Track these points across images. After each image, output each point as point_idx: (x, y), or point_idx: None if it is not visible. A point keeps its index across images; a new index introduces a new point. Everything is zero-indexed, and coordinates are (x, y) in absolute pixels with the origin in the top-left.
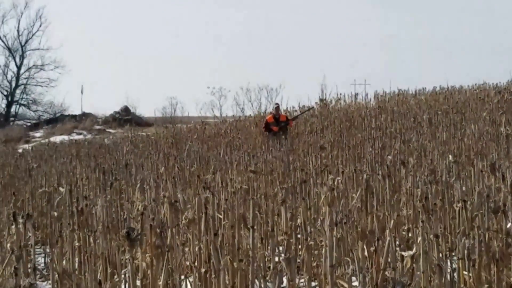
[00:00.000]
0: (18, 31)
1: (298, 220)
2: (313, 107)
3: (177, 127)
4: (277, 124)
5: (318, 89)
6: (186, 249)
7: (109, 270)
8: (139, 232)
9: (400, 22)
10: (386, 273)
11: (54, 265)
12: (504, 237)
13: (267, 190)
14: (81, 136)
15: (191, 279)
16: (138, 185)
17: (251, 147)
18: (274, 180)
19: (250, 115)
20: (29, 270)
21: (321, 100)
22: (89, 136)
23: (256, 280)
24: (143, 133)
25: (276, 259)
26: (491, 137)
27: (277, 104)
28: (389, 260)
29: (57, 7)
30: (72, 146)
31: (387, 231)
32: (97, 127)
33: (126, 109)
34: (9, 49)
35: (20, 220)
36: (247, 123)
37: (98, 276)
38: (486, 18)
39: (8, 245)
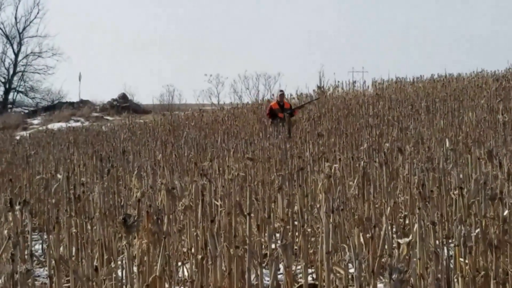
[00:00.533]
0: (15, 18)
1: (295, 207)
2: (318, 98)
3: (175, 114)
4: (282, 111)
5: (316, 77)
6: (183, 236)
7: (105, 257)
8: (135, 218)
9: (397, 10)
10: (383, 260)
11: (51, 252)
12: (501, 224)
13: (264, 177)
14: (78, 123)
15: (187, 265)
16: (136, 172)
17: (249, 135)
18: (271, 167)
19: (247, 102)
20: (26, 256)
21: (319, 87)
22: (86, 123)
23: (252, 267)
24: (141, 121)
25: (273, 246)
26: (489, 124)
27: (281, 91)
28: (385, 247)
29: None
30: (70, 133)
31: (384, 218)
32: (95, 114)
33: (123, 97)
34: (7, 36)
35: (17, 207)
36: (245, 110)
37: (95, 263)
38: (484, 7)
39: (5, 231)
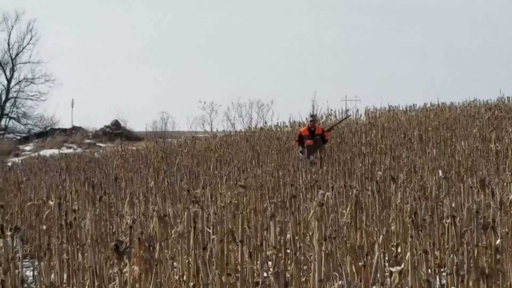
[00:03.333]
0: (8, 44)
1: (288, 235)
2: (349, 115)
3: (168, 141)
4: (312, 137)
5: (309, 105)
6: (175, 263)
7: (96, 283)
8: (127, 245)
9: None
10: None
11: (42, 278)
12: (493, 253)
13: (257, 204)
14: (71, 150)
15: None
16: (128, 199)
17: (241, 162)
18: (264, 195)
19: (240, 130)
20: (17, 283)
21: (311, 116)
22: (79, 150)
23: None
24: (134, 148)
25: (265, 274)
26: (481, 153)
27: (312, 116)
28: (377, 275)
29: (48, 21)
30: (62, 160)
31: (376, 246)
32: (87, 141)
33: (116, 123)
34: (0, 62)
35: (8, 233)
36: (238, 138)
37: None
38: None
39: None
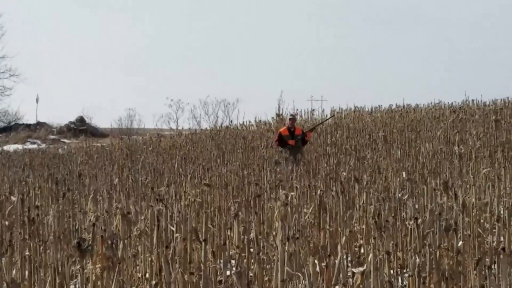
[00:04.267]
0: None
1: (251, 234)
2: (333, 115)
3: (133, 138)
4: (293, 138)
5: (275, 104)
6: (138, 261)
7: (58, 281)
8: (89, 242)
9: (357, 40)
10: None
11: (3, 275)
12: (454, 255)
13: (221, 203)
14: (35, 146)
15: None
16: (91, 196)
17: (206, 161)
18: (228, 194)
19: (206, 128)
20: None
21: (277, 115)
22: (43, 145)
23: None
24: (98, 144)
25: (228, 273)
26: (445, 155)
27: (292, 115)
28: (340, 276)
29: (14, 16)
30: (26, 155)
31: (339, 247)
32: (52, 136)
33: (81, 120)
34: None
35: None
36: (203, 136)
37: (47, 287)
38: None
39: None
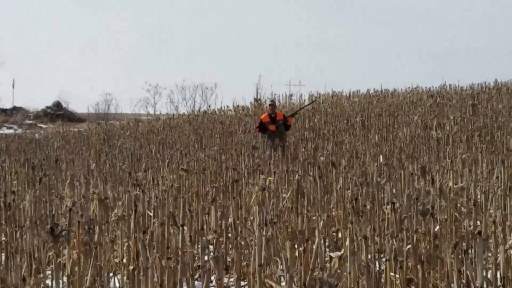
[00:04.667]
0: None
1: (229, 219)
2: (315, 100)
3: (110, 123)
4: (274, 123)
5: (253, 89)
6: (115, 246)
7: (34, 266)
8: (63, 228)
9: (334, 24)
10: (315, 273)
11: None
12: (432, 240)
13: (199, 188)
14: (11, 131)
15: (119, 276)
16: (68, 181)
17: (184, 146)
18: (206, 179)
19: (184, 113)
20: None
21: (255, 100)
22: (19, 130)
23: (184, 279)
24: (75, 129)
25: (206, 258)
26: (422, 140)
27: (272, 101)
28: (318, 260)
29: None
30: (2, 140)
31: (317, 231)
32: (28, 121)
33: (58, 104)
34: None
35: None
36: (181, 121)
37: (23, 272)
38: (420, 23)
39: None
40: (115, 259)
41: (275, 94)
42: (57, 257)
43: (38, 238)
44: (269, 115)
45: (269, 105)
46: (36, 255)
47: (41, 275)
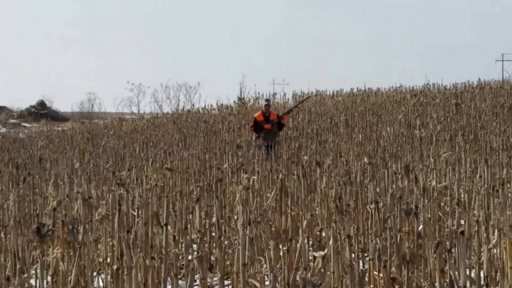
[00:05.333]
0: None
1: (213, 219)
2: (309, 96)
3: (94, 122)
4: (268, 122)
5: (237, 88)
6: (99, 245)
7: (18, 266)
8: (49, 227)
9: (318, 23)
10: (298, 273)
11: None
12: (415, 239)
13: (183, 187)
14: None
15: (103, 275)
16: (52, 180)
17: (168, 145)
18: (190, 178)
19: (168, 112)
20: None
21: (239, 99)
22: (3, 130)
23: (168, 278)
24: (59, 128)
25: (190, 257)
26: (406, 139)
27: (267, 100)
28: (301, 260)
29: None
30: None
31: (300, 231)
32: (12, 121)
33: (42, 103)
34: None
35: None
36: (165, 120)
37: (7, 272)
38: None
39: None
40: (99, 259)
41: (259, 93)
42: (43, 256)
43: (22, 237)
44: (263, 114)
45: (265, 105)
46: (20, 255)
47: (25, 275)
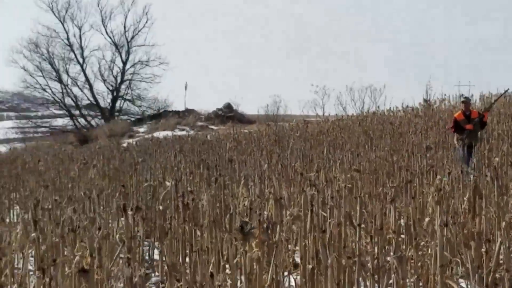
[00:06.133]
0: (124, 27)
1: (401, 220)
2: (508, 89)
3: (279, 125)
4: (469, 122)
5: (422, 90)
6: (290, 245)
7: (221, 263)
8: (252, 226)
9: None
10: (497, 274)
11: (164, 258)
12: None
13: (371, 189)
14: (184, 132)
15: (293, 275)
16: (243, 181)
17: (355, 146)
18: (378, 179)
19: (352, 114)
20: (137, 261)
21: (425, 100)
22: (191, 132)
23: (360, 278)
24: (245, 130)
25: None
26: None
27: (466, 98)
28: (500, 261)
29: (163, 5)
30: (176, 142)
31: (498, 232)
32: (200, 123)
33: (228, 106)
34: (116, 45)
35: (130, 212)
36: (350, 122)
37: (210, 269)
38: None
39: (117, 236)
40: (289, 259)
41: (445, 95)
42: (246, 254)
43: (216, 236)
44: (463, 113)
45: (462, 102)
46: (224, 252)
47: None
